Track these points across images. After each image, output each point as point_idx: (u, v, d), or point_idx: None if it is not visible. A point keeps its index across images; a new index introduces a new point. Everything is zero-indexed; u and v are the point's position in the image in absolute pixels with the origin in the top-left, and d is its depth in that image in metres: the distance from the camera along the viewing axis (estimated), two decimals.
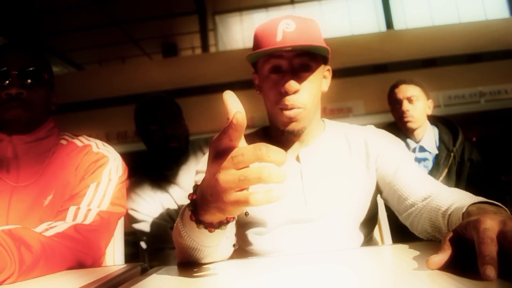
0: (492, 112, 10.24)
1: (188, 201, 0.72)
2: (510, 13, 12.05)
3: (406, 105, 2.11)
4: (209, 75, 10.80)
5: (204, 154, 1.87)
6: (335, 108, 9.12)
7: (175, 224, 0.82)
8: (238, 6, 12.91)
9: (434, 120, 2.25)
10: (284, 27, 1.01)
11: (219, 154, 0.59)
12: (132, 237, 1.99)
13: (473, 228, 0.55)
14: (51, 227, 0.97)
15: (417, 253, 0.71)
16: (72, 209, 1.05)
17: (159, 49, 14.26)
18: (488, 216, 0.56)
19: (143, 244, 1.85)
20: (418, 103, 2.12)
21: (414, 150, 2.14)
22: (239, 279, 0.71)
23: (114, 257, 1.37)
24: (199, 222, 0.68)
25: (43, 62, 1.19)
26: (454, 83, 10.15)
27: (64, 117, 1.27)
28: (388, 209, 1.41)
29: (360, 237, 1.12)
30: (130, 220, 1.78)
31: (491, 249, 0.50)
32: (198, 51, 13.49)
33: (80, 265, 0.97)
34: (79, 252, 0.97)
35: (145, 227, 1.77)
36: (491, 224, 0.53)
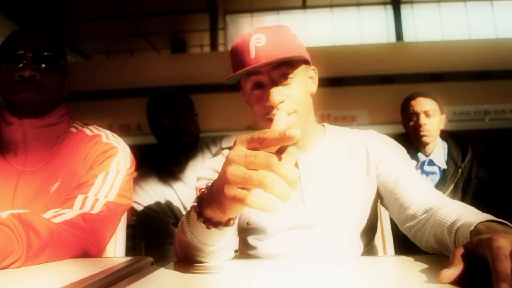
0: (496, 131, 10.24)
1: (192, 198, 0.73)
2: None
3: (423, 119, 2.10)
4: (216, 74, 10.78)
5: (211, 152, 1.87)
6: (339, 116, 9.12)
7: (180, 221, 0.82)
8: (250, 7, 12.92)
9: (444, 135, 2.24)
10: (255, 43, 1.00)
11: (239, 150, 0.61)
12: (130, 230, 1.99)
13: (485, 246, 0.55)
14: (59, 214, 0.97)
15: (424, 265, 0.71)
16: (79, 198, 1.05)
17: (167, 45, 14.27)
18: (500, 235, 0.56)
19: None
20: (434, 118, 2.11)
21: (423, 163, 2.13)
22: (245, 278, 0.71)
23: (115, 249, 1.37)
24: (199, 215, 0.70)
25: (58, 48, 1.19)
26: (460, 99, 10.14)
27: (68, 106, 1.27)
28: (392, 220, 1.41)
29: (361, 245, 1.11)
30: (131, 212, 1.78)
31: (505, 266, 0.50)
32: (207, 49, 13.51)
33: (84, 254, 0.97)
34: (85, 241, 0.97)
35: (146, 220, 1.77)
36: (504, 243, 0.54)
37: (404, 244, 1.44)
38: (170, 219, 1.76)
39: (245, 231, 1.12)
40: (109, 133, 1.26)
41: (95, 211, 1.04)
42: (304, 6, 12.51)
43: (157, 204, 1.78)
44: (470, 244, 0.61)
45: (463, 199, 2.05)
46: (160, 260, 0.88)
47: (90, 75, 9.77)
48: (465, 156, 2.12)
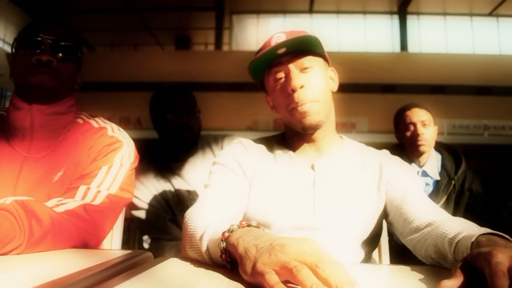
0: (494, 146, 10.27)
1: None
2: None
3: (420, 129, 2.11)
4: (219, 73, 10.83)
5: (212, 150, 1.88)
6: (339, 122, 9.10)
7: (196, 245, 0.83)
8: (256, 9, 12.95)
9: (438, 146, 2.25)
10: (276, 39, 1.08)
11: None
12: (125, 223, 1.99)
13: (484, 260, 0.56)
14: (62, 204, 0.97)
15: (421, 276, 0.71)
16: (82, 188, 1.05)
17: (172, 41, 14.29)
18: (499, 249, 0.57)
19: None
20: (430, 128, 2.14)
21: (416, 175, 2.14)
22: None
23: (112, 242, 1.37)
24: (230, 263, 0.71)
25: (77, 40, 1.20)
26: (460, 112, 10.19)
27: None
28: (389, 233, 1.43)
29: (361, 254, 1.12)
30: (129, 206, 1.78)
31: (503, 282, 0.51)
32: (211, 47, 13.53)
33: (84, 245, 0.97)
34: (85, 232, 0.98)
35: (144, 215, 1.77)
36: (502, 258, 0.54)
37: (399, 256, 1.45)
38: (167, 215, 1.77)
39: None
40: (115, 126, 1.26)
41: (96, 202, 1.04)
42: (310, 10, 12.54)
43: (155, 199, 1.78)
44: (470, 257, 0.61)
45: (455, 211, 2.06)
46: (156, 255, 0.88)
47: (93, 66, 9.77)
48: (458, 168, 2.14)
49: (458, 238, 0.77)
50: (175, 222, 1.77)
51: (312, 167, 1.15)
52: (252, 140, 1.24)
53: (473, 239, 0.70)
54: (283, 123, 1.21)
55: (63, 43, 1.14)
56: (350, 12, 12.72)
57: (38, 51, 1.10)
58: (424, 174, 2.15)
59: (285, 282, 0.56)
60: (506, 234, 0.72)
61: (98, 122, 1.26)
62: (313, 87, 1.08)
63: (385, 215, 1.15)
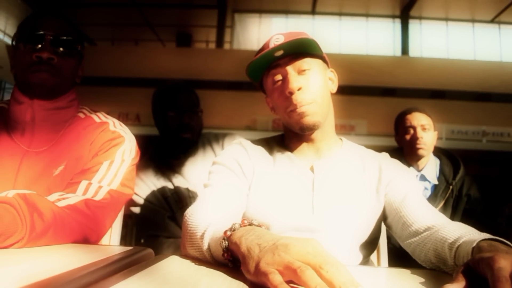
0: (492, 152, 10.30)
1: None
2: None
3: (420, 132, 2.13)
4: (220, 71, 10.82)
5: (212, 148, 1.88)
6: (338, 124, 9.11)
7: (197, 244, 0.83)
8: (259, 8, 12.94)
9: (437, 151, 2.27)
10: (274, 41, 1.09)
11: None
12: (123, 220, 1.99)
13: (486, 265, 0.57)
14: (63, 198, 0.97)
15: (421, 279, 0.72)
16: (83, 183, 1.05)
17: (173, 37, 14.27)
18: (501, 255, 0.57)
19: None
20: (430, 132, 2.15)
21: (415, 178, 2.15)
22: None
23: (110, 237, 1.37)
24: (227, 250, 0.71)
25: (78, 33, 1.19)
26: (459, 118, 10.21)
27: None
28: (387, 236, 1.43)
29: (359, 256, 1.13)
30: (128, 202, 1.78)
31: (506, 287, 0.52)
32: (212, 45, 13.52)
33: (84, 240, 0.97)
34: (86, 228, 0.98)
35: (142, 211, 1.77)
36: (504, 264, 0.55)
37: (397, 259, 1.46)
38: (166, 212, 1.77)
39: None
40: (116, 121, 1.26)
41: (98, 198, 1.04)
42: (313, 11, 12.54)
43: (155, 196, 1.78)
44: (472, 262, 0.62)
45: (453, 216, 2.07)
46: (154, 252, 0.88)
47: (93, 61, 9.76)
48: (456, 173, 2.15)
49: (459, 243, 0.78)
50: (174, 220, 1.77)
51: (312, 169, 1.15)
52: (251, 141, 1.25)
53: (474, 244, 0.71)
54: (283, 124, 1.21)
55: (64, 38, 1.13)
56: (352, 14, 12.73)
57: (38, 47, 1.08)
58: (423, 178, 2.16)
59: (287, 282, 0.56)
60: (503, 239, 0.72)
61: (100, 117, 1.25)
62: (311, 89, 1.08)
63: (383, 218, 1.16)
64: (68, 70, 1.16)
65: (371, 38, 12.81)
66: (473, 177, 2.21)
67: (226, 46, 12.97)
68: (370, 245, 1.16)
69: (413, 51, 12.29)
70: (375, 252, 1.40)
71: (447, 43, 12.63)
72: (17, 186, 1.07)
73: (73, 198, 0.99)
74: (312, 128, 1.11)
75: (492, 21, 12.50)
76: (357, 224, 1.11)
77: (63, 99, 1.18)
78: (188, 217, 0.93)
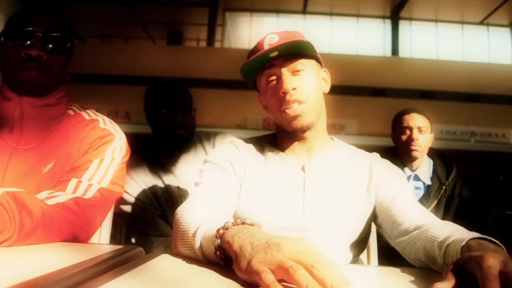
0: (480, 153, 10.41)
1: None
2: None
3: (416, 134, 2.14)
4: (211, 69, 10.79)
5: (203, 147, 1.87)
6: (328, 123, 9.08)
7: (189, 242, 0.82)
8: (250, 7, 12.93)
9: (430, 152, 2.28)
10: (268, 41, 1.10)
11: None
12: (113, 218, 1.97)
13: (476, 264, 0.57)
14: (53, 196, 0.96)
15: (411, 277, 0.73)
16: (73, 181, 1.04)
17: (164, 35, 14.20)
18: (490, 254, 0.58)
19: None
20: (425, 135, 2.16)
21: (408, 178, 2.17)
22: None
23: (100, 236, 1.36)
24: (219, 248, 0.71)
25: (67, 30, 1.17)
26: (448, 118, 10.30)
27: None
28: (378, 235, 1.44)
29: (350, 256, 1.14)
30: (118, 201, 1.76)
31: (495, 286, 0.53)
32: (203, 44, 13.47)
33: (74, 238, 0.96)
34: (76, 226, 0.97)
35: (133, 210, 1.76)
36: (493, 263, 0.56)
37: (387, 258, 1.46)
38: (157, 210, 1.75)
39: None
40: (106, 119, 1.25)
41: (88, 196, 1.03)
42: (304, 11, 12.57)
43: (145, 194, 1.77)
44: (461, 260, 0.62)
45: (445, 215, 2.10)
46: (144, 251, 0.88)
47: (83, 58, 9.65)
48: (449, 174, 2.17)
49: (448, 242, 0.78)
50: (165, 218, 1.76)
51: (303, 169, 1.16)
52: (243, 140, 1.25)
53: (463, 243, 0.71)
54: (275, 123, 1.22)
55: (53, 34, 1.11)
56: (343, 14, 12.77)
57: (27, 43, 1.07)
58: (416, 178, 2.18)
59: (279, 281, 0.56)
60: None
61: (90, 114, 1.24)
62: (305, 90, 1.09)
63: (374, 217, 1.17)
64: (57, 67, 1.14)
65: (362, 39, 12.86)
66: (461, 177, 2.24)
67: (217, 44, 12.93)
68: (360, 244, 1.17)
69: (403, 52, 12.37)
70: (365, 251, 1.40)
71: (436, 44, 12.73)
72: (5, 183, 1.06)
73: (63, 196, 0.98)
74: (305, 129, 1.11)
75: (481, 23, 12.62)
76: (348, 224, 1.12)
77: (52, 96, 1.17)
78: (180, 216, 0.93)
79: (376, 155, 1.25)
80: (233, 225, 0.72)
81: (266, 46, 1.08)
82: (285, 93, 1.07)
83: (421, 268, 0.89)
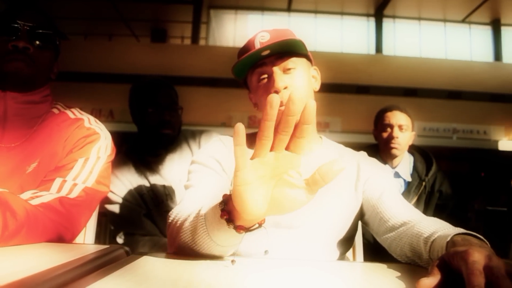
0: (462, 149, 10.58)
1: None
2: (494, 58, 12.48)
3: (396, 132, 2.15)
4: (195, 67, 10.74)
5: (189, 146, 1.86)
6: None
7: (189, 224, 0.82)
8: (234, 4, 12.89)
9: (411, 148, 2.31)
10: (260, 39, 1.10)
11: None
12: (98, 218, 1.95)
13: (461, 259, 0.58)
14: (37, 196, 0.95)
15: (397, 273, 0.74)
16: (57, 181, 1.03)
17: (148, 33, 14.09)
18: (475, 249, 0.59)
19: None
20: (406, 133, 2.18)
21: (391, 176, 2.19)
22: (226, 276, 0.71)
23: (85, 236, 1.35)
24: (229, 220, 0.72)
25: (55, 28, 1.16)
26: (430, 116, 10.42)
27: None
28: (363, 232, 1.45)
29: (336, 253, 1.14)
30: (103, 200, 1.74)
31: (480, 280, 0.54)
32: (188, 41, 13.40)
33: (59, 238, 0.95)
34: (61, 226, 0.95)
35: (118, 209, 1.74)
36: (478, 257, 0.57)
37: (371, 254, 1.48)
38: (142, 209, 1.74)
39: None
40: (91, 118, 1.23)
41: (72, 195, 1.02)
42: (289, 9, 12.58)
43: (130, 193, 1.75)
44: (447, 256, 0.63)
45: (425, 211, 2.13)
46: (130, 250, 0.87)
47: (65, 56, 9.50)
48: (429, 170, 2.20)
49: (433, 238, 0.80)
50: (150, 217, 1.75)
51: None
52: (231, 137, 1.24)
53: (448, 238, 0.73)
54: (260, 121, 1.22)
55: (40, 31, 1.10)
56: (327, 12, 12.83)
57: (14, 37, 1.06)
58: (397, 175, 2.20)
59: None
60: None
61: (74, 113, 1.22)
62: (295, 88, 1.09)
63: (361, 215, 1.18)
64: (43, 62, 1.13)
65: (346, 36, 12.94)
66: (444, 173, 2.27)
67: (202, 42, 12.87)
68: (347, 242, 1.18)
69: (387, 50, 12.48)
70: (351, 249, 1.42)
71: (419, 42, 12.88)
72: None
73: (47, 196, 0.96)
74: None
75: (463, 21, 12.80)
76: (335, 221, 1.13)
77: (37, 94, 1.15)
78: (175, 216, 0.92)
79: (363, 154, 1.27)
80: None
81: (258, 45, 1.09)
82: (276, 92, 1.06)
83: (407, 263, 0.91)
